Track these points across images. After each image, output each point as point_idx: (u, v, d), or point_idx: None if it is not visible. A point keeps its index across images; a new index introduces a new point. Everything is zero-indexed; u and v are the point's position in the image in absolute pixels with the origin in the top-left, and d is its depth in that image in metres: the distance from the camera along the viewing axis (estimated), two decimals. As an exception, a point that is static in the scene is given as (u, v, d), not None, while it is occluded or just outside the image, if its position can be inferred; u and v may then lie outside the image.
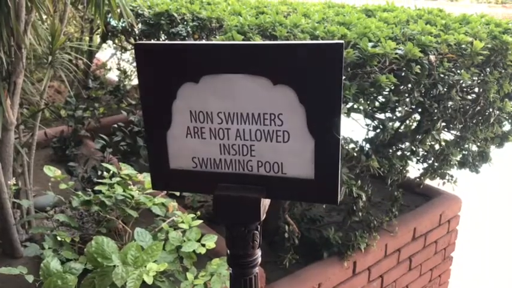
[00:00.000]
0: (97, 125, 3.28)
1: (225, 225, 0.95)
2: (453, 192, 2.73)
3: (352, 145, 1.78)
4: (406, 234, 2.47)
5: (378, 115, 1.96)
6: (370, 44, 1.49)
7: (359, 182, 1.77)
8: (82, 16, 3.49)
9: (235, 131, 0.88)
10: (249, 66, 0.83)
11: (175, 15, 2.36)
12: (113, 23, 2.98)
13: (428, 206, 2.67)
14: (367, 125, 1.82)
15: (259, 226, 0.94)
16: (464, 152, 2.38)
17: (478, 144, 2.37)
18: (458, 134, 2.23)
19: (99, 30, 3.41)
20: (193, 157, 0.93)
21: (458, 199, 2.80)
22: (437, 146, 2.25)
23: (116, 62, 4.20)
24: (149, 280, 1.19)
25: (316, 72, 0.80)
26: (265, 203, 0.92)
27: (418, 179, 2.37)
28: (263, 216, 0.92)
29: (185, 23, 2.28)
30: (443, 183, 2.43)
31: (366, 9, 2.45)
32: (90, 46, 3.65)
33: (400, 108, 1.71)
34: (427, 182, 2.63)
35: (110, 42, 3.90)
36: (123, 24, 2.98)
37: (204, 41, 2.18)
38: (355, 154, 1.85)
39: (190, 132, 0.91)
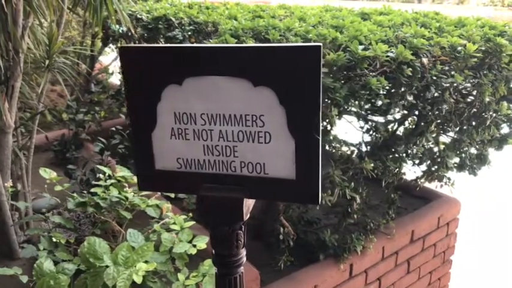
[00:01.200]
0: (98, 129, 3.32)
1: (210, 226, 0.96)
2: (452, 195, 2.73)
3: (345, 147, 1.79)
4: (404, 236, 2.47)
5: (373, 117, 1.97)
6: (360, 47, 1.50)
7: (352, 184, 1.78)
8: (84, 21, 3.53)
9: (218, 132, 0.90)
10: (230, 68, 0.85)
11: (173, 19, 2.39)
12: (114, 27, 3.01)
13: (427, 209, 2.67)
14: (361, 127, 1.83)
15: (243, 226, 0.96)
16: (462, 155, 2.38)
17: (477, 146, 2.37)
18: (455, 136, 2.23)
19: (100, 34, 3.45)
20: (177, 158, 0.94)
21: (457, 202, 2.79)
22: (436, 149, 2.25)
23: (119, 66, 4.23)
24: (138, 280, 1.21)
25: (295, 74, 0.82)
26: (249, 203, 0.93)
27: (414, 182, 2.37)
28: (246, 216, 0.93)
29: (182, 27, 2.31)
30: (441, 185, 2.43)
31: (362, 13, 2.46)
32: (92, 50, 3.69)
33: (392, 111, 1.72)
34: (426, 184, 2.63)
35: (113, 46, 3.94)
36: (124, 29, 3.01)
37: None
38: (352, 156, 1.86)
39: (175, 134, 0.92)
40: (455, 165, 2.36)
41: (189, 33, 2.24)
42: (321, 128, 1.85)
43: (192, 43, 2.23)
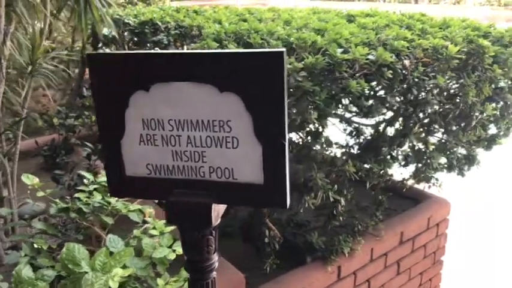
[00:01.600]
0: (89, 133, 3.32)
1: (180, 231, 0.96)
2: (442, 196, 2.73)
3: (328, 150, 1.79)
4: (393, 238, 2.47)
5: (357, 119, 1.97)
6: (339, 50, 1.50)
7: (335, 186, 1.78)
8: (74, 26, 3.53)
9: (186, 137, 0.90)
10: (196, 74, 0.85)
11: (159, 23, 2.39)
12: (100, 32, 3.01)
13: (416, 210, 2.67)
14: (344, 129, 1.83)
15: (214, 231, 0.96)
16: (450, 156, 2.38)
17: (464, 146, 2.37)
18: (441, 137, 2.23)
19: (90, 39, 3.45)
20: (147, 164, 0.94)
21: (447, 202, 2.79)
22: (424, 150, 2.25)
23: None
24: (114, 285, 1.21)
25: (259, 79, 0.82)
26: (218, 208, 0.93)
27: (401, 183, 2.37)
28: (216, 222, 0.94)
29: (168, 31, 2.31)
30: (429, 186, 2.43)
31: (348, 15, 2.46)
32: (82, 55, 3.69)
33: (376, 113, 1.72)
34: (416, 185, 2.63)
35: (106, 50, 3.93)
36: (114, 33, 3.02)
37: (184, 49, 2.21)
38: (336, 158, 1.86)
39: (143, 140, 0.92)
40: (445, 165, 2.36)
41: (175, 37, 2.25)
42: (312, 130, 1.84)
43: (178, 47, 2.23)
